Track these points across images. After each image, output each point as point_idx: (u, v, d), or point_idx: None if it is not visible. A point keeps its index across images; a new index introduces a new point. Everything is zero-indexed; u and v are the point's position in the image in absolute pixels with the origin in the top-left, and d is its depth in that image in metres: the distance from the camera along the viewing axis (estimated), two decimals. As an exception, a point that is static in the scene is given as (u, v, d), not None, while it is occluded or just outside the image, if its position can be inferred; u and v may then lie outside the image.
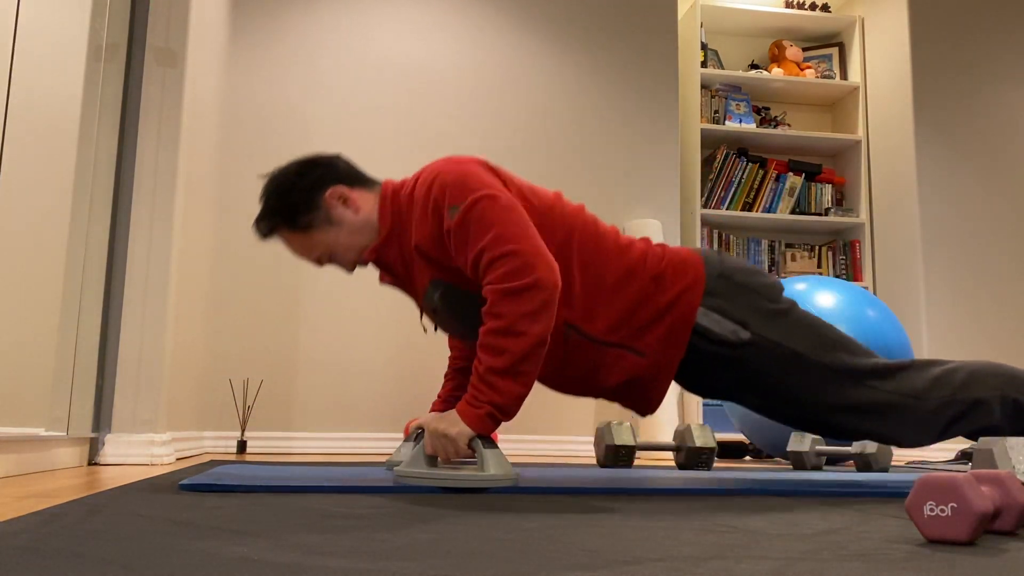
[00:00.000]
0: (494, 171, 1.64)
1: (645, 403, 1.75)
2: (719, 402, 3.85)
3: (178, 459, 2.49)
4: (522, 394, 1.47)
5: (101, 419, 2.25)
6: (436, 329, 1.86)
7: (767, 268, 4.29)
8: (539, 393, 3.60)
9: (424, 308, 1.72)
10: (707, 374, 1.73)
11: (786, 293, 2.43)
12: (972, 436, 1.69)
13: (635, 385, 1.71)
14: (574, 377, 1.71)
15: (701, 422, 3.74)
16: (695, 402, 3.77)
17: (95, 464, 2.18)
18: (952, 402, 1.65)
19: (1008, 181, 4.13)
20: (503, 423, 1.56)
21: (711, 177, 4.24)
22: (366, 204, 1.70)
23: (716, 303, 1.67)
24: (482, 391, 1.46)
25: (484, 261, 1.50)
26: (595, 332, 1.65)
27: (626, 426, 2.52)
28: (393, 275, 1.74)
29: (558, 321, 1.63)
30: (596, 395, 1.76)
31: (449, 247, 1.58)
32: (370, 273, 3.58)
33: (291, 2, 3.72)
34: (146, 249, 2.34)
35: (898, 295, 4.04)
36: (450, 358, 2.04)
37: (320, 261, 1.73)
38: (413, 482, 1.47)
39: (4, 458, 1.67)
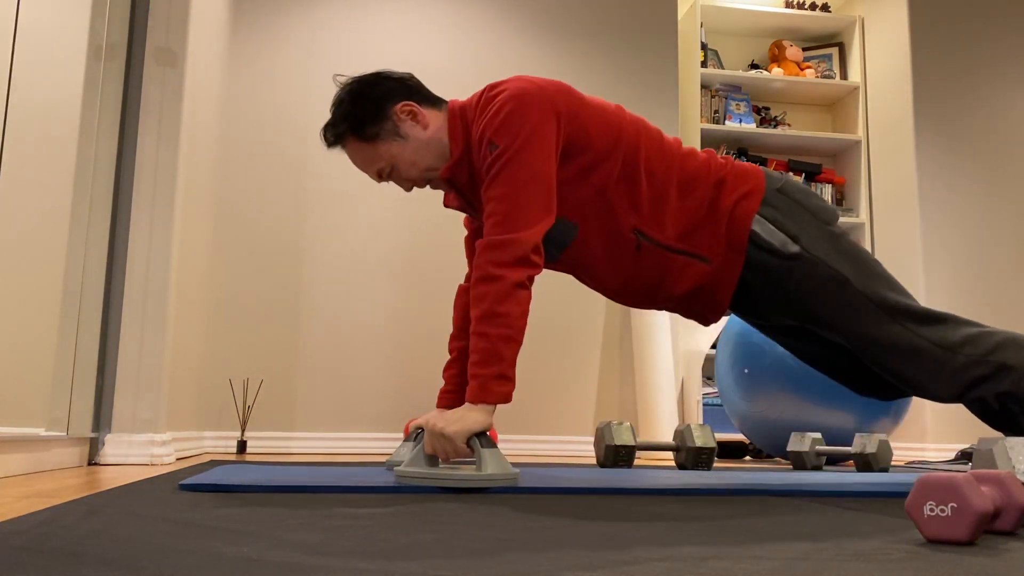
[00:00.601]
0: (556, 111, 1.63)
1: (710, 312, 1.78)
2: (719, 402, 3.85)
3: (178, 459, 2.49)
4: (507, 335, 1.50)
5: (101, 419, 2.25)
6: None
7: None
8: (539, 393, 3.61)
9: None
10: (751, 286, 1.74)
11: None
12: (990, 404, 1.68)
13: (701, 293, 1.74)
14: (642, 286, 1.74)
15: (701, 422, 3.74)
16: (695, 402, 3.77)
17: (95, 464, 2.18)
18: (981, 362, 1.64)
19: (1008, 181, 4.13)
20: (505, 420, 1.56)
21: (711, 177, 4.23)
22: (435, 122, 1.73)
23: (771, 213, 1.69)
24: (474, 375, 1.50)
25: (487, 212, 1.57)
26: (663, 238, 1.68)
27: (626, 426, 2.52)
28: (462, 197, 1.78)
29: (627, 227, 1.67)
30: (660, 306, 1.80)
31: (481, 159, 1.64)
32: (370, 273, 3.58)
33: (291, 2, 3.72)
34: (146, 249, 2.34)
35: (898, 295, 4.04)
36: (451, 337, 2.04)
37: (380, 175, 1.76)
38: (413, 482, 1.47)
39: (4, 458, 1.67)
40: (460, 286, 1.99)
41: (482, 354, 1.49)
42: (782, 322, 1.80)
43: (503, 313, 1.50)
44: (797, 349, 1.90)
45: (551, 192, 1.59)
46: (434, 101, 1.76)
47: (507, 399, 1.50)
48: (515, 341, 1.50)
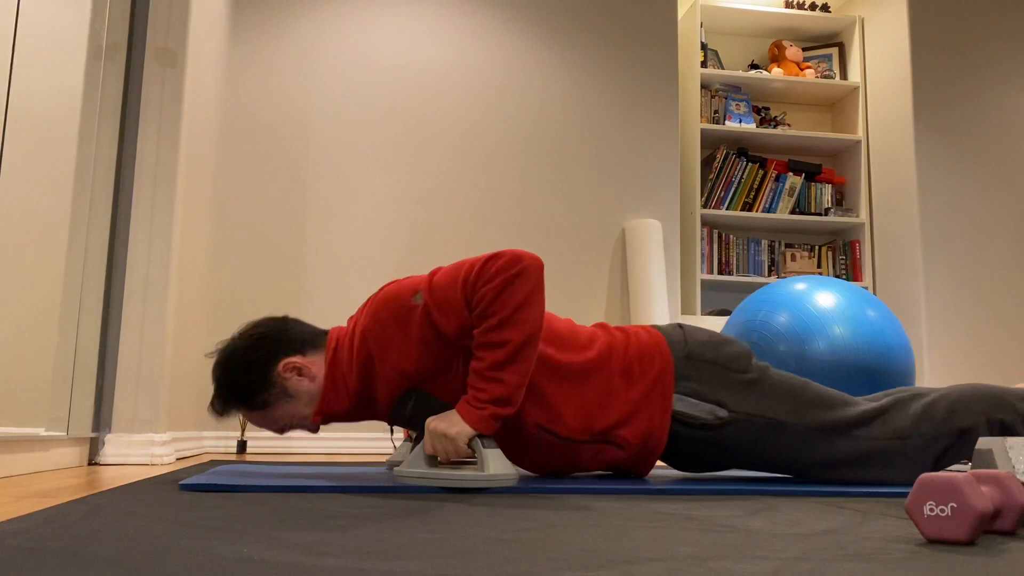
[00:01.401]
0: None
1: (634, 476, 1.77)
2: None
3: (178, 459, 2.49)
4: (523, 383, 1.49)
5: (101, 419, 2.25)
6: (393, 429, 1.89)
7: (767, 268, 4.29)
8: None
9: (392, 421, 1.68)
10: (692, 454, 1.74)
11: (782, 295, 2.42)
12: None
13: (621, 468, 1.74)
14: (560, 470, 1.73)
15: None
16: (695, 402, 3.77)
17: (95, 464, 2.18)
18: (939, 436, 1.64)
19: (1008, 181, 4.13)
20: (504, 419, 1.56)
21: (711, 177, 4.24)
22: (321, 368, 1.63)
23: (689, 386, 1.67)
24: (483, 389, 1.46)
25: (473, 276, 1.50)
26: (567, 432, 1.65)
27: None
28: (341, 419, 1.68)
29: (528, 423, 1.63)
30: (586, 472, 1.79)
31: (435, 324, 1.53)
32: (370, 272, 3.58)
33: (291, 2, 3.72)
34: (146, 249, 2.34)
35: (898, 295, 4.04)
36: None
37: (283, 430, 1.68)
38: (413, 482, 1.47)
39: (4, 458, 1.67)
40: None
41: (492, 396, 1.46)
42: (732, 468, 1.79)
43: (524, 359, 1.48)
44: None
45: None
46: (315, 342, 1.65)
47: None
48: (525, 384, 1.50)
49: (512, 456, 1.69)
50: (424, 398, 1.60)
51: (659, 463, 3.16)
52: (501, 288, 1.47)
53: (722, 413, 1.66)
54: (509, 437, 1.63)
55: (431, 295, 1.53)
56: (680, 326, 1.78)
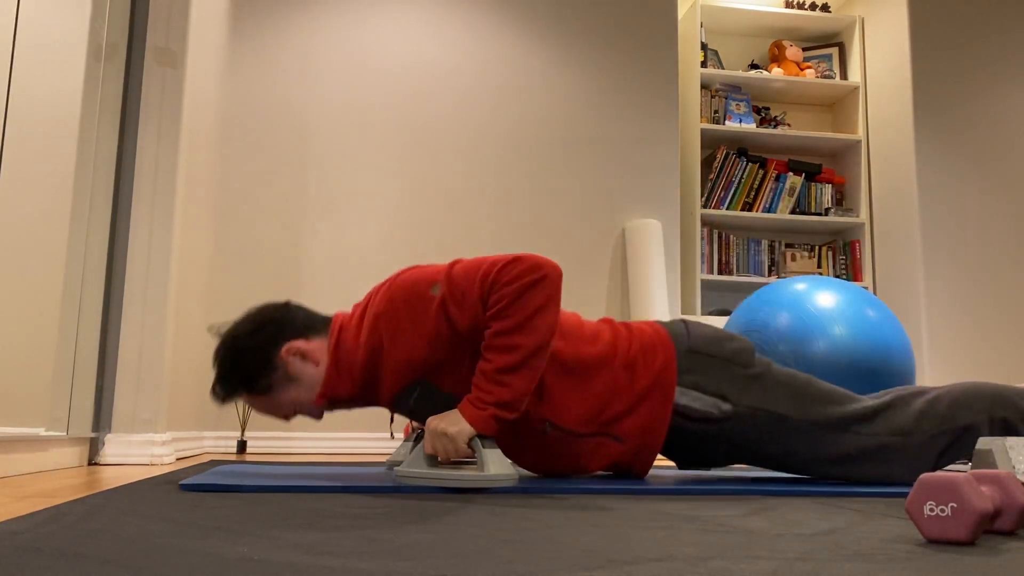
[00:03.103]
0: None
1: (634, 476, 1.77)
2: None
3: (178, 459, 2.49)
4: (529, 389, 1.48)
5: (101, 419, 2.25)
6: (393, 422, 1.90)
7: (767, 268, 4.29)
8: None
9: (394, 409, 1.67)
10: (696, 449, 1.74)
11: (782, 295, 2.42)
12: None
13: (620, 466, 1.73)
14: (558, 465, 1.72)
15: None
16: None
17: (95, 464, 2.18)
18: (941, 433, 1.64)
19: (1008, 181, 4.13)
20: (506, 424, 1.55)
21: (711, 177, 4.24)
22: (323, 354, 1.62)
23: (692, 380, 1.67)
24: (489, 391, 1.46)
25: (493, 275, 1.49)
26: (570, 425, 1.65)
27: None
28: (344, 406, 1.68)
29: (533, 417, 1.63)
30: (585, 475, 1.78)
31: (450, 317, 1.52)
32: (370, 272, 3.58)
33: (291, 3, 3.72)
34: (146, 249, 2.34)
35: (898, 295, 4.04)
36: None
37: (287, 416, 1.67)
38: (413, 482, 1.47)
39: (4, 458, 1.67)
40: None
41: (497, 399, 1.46)
42: (733, 463, 1.79)
43: (533, 367, 1.47)
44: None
45: None
46: (318, 327, 1.64)
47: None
48: (531, 392, 1.50)
49: (510, 452, 1.69)
50: (429, 390, 1.59)
51: (661, 459, 3.16)
52: (520, 292, 1.47)
53: (725, 407, 1.66)
54: (510, 431, 1.63)
55: (449, 287, 1.52)
56: (684, 321, 1.78)
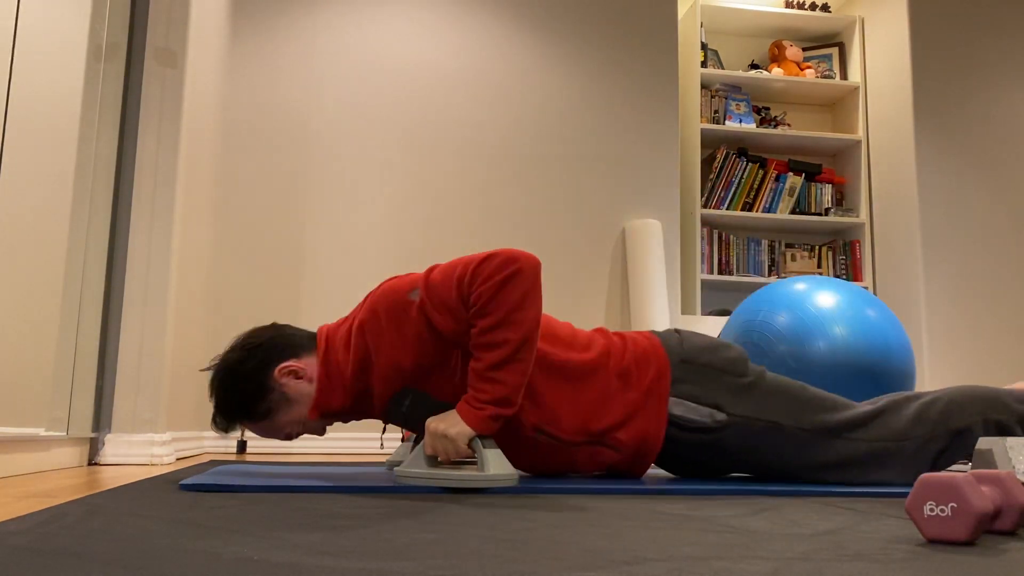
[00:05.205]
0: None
1: (631, 477, 1.76)
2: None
3: (178, 459, 2.49)
4: (522, 383, 1.49)
5: (101, 419, 2.25)
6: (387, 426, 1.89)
7: (767, 268, 4.29)
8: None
9: (387, 419, 1.68)
10: (691, 459, 1.74)
11: (782, 295, 2.42)
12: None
13: (615, 471, 1.74)
14: (554, 470, 1.73)
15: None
16: (695, 402, 3.77)
17: (95, 464, 2.18)
18: (935, 437, 1.64)
19: (1008, 181, 4.13)
20: (505, 420, 1.55)
21: (711, 177, 4.24)
22: (315, 369, 1.63)
23: (686, 390, 1.67)
24: (483, 390, 1.46)
25: (468, 275, 1.50)
26: (563, 434, 1.65)
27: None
28: (338, 418, 1.69)
29: (525, 425, 1.63)
30: (582, 475, 1.78)
31: (431, 322, 1.53)
32: (370, 272, 3.58)
33: (291, 2, 3.72)
34: (146, 249, 2.34)
35: (898, 295, 4.04)
36: None
37: (290, 437, 1.68)
38: (413, 482, 1.47)
39: (4, 458, 1.67)
40: None
41: (492, 396, 1.46)
42: (728, 474, 1.79)
43: (522, 359, 1.47)
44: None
45: None
46: (306, 344, 1.65)
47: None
48: (524, 384, 1.49)
49: (507, 452, 1.69)
50: (420, 397, 1.60)
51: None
52: (497, 288, 1.47)
53: (720, 416, 1.66)
54: (504, 437, 1.63)
55: (427, 293, 1.54)
56: (677, 331, 1.78)
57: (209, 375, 1.66)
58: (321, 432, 1.70)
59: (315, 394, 1.62)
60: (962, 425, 1.64)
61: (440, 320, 1.53)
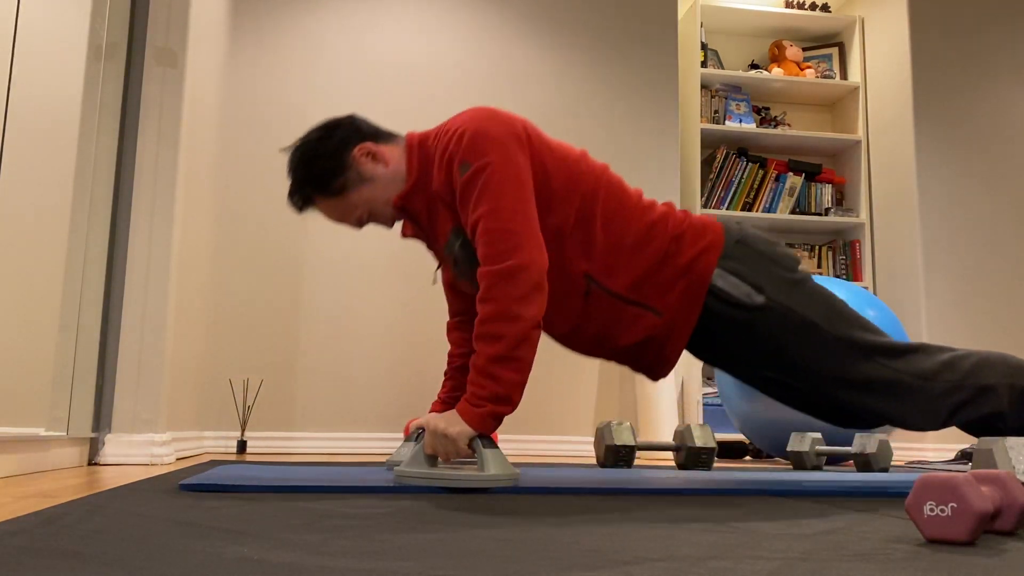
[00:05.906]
0: (518, 135, 1.61)
1: (658, 366, 1.75)
2: (719, 402, 3.84)
3: (178, 459, 2.49)
4: (521, 381, 1.48)
5: (101, 419, 2.25)
6: (436, 282, 2.05)
7: (767, 268, 4.28)
8: (539, 393, 3.60)
9: (443, 258, 1.74)
10: (718, 339, 1.72)
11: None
12: (977, 424, 1.68)
13: (650, 345, 1.71)
14: (590, 334, 1.71)
15: (701, 422, 3.74)
16: (695, 402, 3.77)
17: (95, 464, 2.18)
18: (960, 387, 1.64)
19: (1008, 181, 4.13)
20: (505, 420, 1.56)
21: (711, 177, 4.24)
22: (394, 157, 1.71)
23: (733, 266, 1.67)
24: (482, 386, 1.46)
25: (479, 231, 1.53)
26: (615, 287, 1.66)
27: (626, 426, 2.52)
28: (417, 225, 1.75)
29: (577, 273, 1.65)
30: (608, 356, 1.76)
31: (456, 202, 1.61)
32: (370, 272, 3.58)
33: (291, 2, 3.72)
34: (146, 249, 2.34)
35: (898, 295, 4.04)
36: (449, 355, 2.03)
37: (360, 222, 1.74)
38: (413, 482, 1.47)
39: (4, 458, 1.67)
40: (449, 322, 1.99)
41: (491, 393, 1.47)
42: (752, 372, 1.78)
43: (520, 357, 1.48)
44: (770, 390, 1.84)
45: (535, 205, 1.57)
46: (387, 136, 1.75)
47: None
48: (524, 384, 1.50)
49: (550, 309, 1.68)
50: (467, 245, 1.63)
51: (660, 459, 3.16)
52: (494, 277, 1.49)
53: (758, 298, 1.65)
54: (553, 284, 1.63)
55: (463, 188, 1.56)
56: (740, 222, 1.79)
57: (287, 153, 1.74)
58: (390, 224, 1.76)
59: (405, 186, 1.69)
60: (989, 383, 1.64)
61: (460, 214, 1.60)
